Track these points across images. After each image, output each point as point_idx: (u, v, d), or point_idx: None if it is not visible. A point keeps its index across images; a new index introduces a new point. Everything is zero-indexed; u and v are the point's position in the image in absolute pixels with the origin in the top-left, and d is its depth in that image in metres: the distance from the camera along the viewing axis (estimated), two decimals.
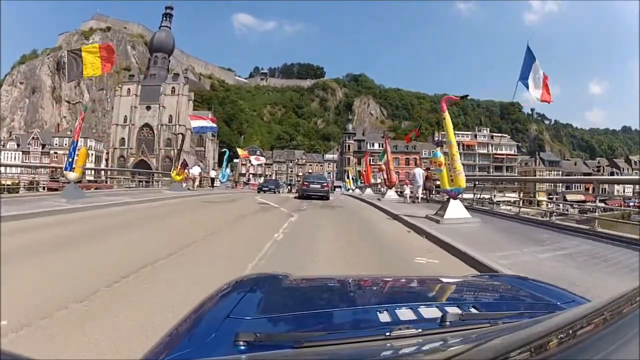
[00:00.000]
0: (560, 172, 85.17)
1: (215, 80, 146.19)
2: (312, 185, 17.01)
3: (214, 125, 22.11)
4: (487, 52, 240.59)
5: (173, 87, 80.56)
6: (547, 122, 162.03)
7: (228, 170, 24.80)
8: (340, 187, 70.13)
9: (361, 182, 31.17)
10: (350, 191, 33.92)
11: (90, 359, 2.02)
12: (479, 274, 3.44)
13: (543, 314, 0.84)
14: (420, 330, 0.82)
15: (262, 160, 42.90)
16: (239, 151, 37.37)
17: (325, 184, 17.50)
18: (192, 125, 20.96)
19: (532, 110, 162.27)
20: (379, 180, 28.13)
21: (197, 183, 23.12)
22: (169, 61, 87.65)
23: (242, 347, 0.77)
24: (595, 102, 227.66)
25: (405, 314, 0.97)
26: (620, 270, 4.22)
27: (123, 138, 79.65)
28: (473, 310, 1.02)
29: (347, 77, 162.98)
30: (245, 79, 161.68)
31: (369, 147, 66.23)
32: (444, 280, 1.58)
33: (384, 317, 0.96)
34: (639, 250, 4.97)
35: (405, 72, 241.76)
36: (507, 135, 79.44)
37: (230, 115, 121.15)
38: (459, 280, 1.60)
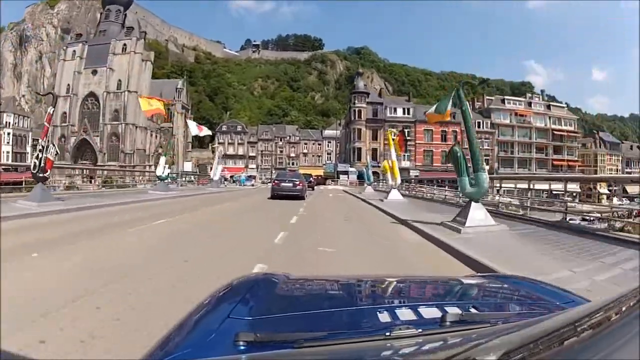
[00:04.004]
0: (620, 157, 64.39)
1: (200, 53, 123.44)
2: (283, 184, 15.52)
3: None
4: (493, 32, 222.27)
5: (124, 44, 58.06)
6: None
7: None
8: (347, 173, 45.49)
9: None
10: (396, 193, 15.48)
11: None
12: (479, 274, 3.09)
13: (543, 314, 0.82)
14: (420, 330, 0.79)
15: (206, 131, 21.69)
16: (142, 103, 16.41)
17: (298, 182, 15.64)
18: None
19: (542, 91, 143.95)
20: (405, 164, 23.29)
21: None
22: (125, 15, 64.30)
23: (242, 347, 0.74)
24: (598, 88, 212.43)
25: (405, 314, 0.94)
26: None
27: (65, 112, 57.93)
28: (473, 310, 0.98)
29: (348, 50, 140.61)
30: (236, 52, 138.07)
31: (389, 114, 43.79)
32: (444, 280, 1.56)
33: (384, 317, 0.92)
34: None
35: (409, 48, 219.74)
36: (564, 105, 56.60)
37: (214, 89, 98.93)
38: (459, 280, 1.54)
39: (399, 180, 15.44)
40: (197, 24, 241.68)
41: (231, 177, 34.47)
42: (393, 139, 16.51)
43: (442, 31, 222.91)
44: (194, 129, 23.13)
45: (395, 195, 14.67)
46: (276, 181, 16.28)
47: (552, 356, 0.47)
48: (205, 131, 23.50)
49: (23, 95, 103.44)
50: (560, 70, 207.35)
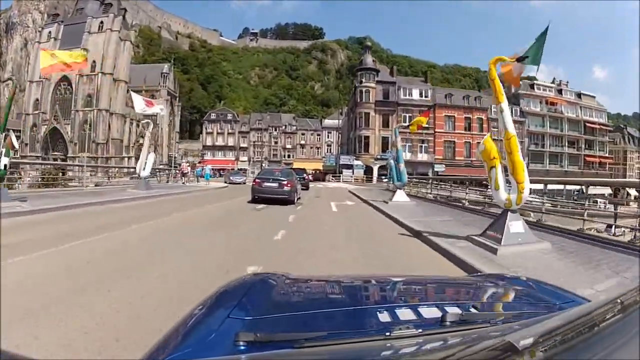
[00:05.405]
0: None
1: (195, 40, 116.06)
2: (266, 184, 12.37)
3: None
4: (494, 30, 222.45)
5: (101, 22, 50.88)
6: None
7: None
8: (351, 167, 37.04)
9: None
10: (521, 226, 5.08)
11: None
12: (479, 274, 3.13)
13: (543, 314, 0.81)
14: (420, 330, 0.79)
15: (158, 108, 14.11)
16: (42, 57, 10.97)
17: (285, 182, 12.34)
18: None
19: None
20: (421, 157, 17.53)
21: None
22: None
23: (242, 347, 0.73)
24: (599, 87, 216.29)
25: (405, 314, 0.93)
26: None
27: (37, 99, 51.32)
28: (473, 310, 0.97)
29: (349, 40, 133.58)
30: (233, 40, 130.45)
31: (402, 96, 36.21)
32: (444, 280, 1.54)
33: (384, 317, 0.92)
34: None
35: (412, 41, 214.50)
36: (594, 95, 49.23)
37: (208, 78, 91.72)
38: (459, 280, 1.53)
39: (527, 188, 4.87)
40: (195, 15, 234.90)
41: (193, 171, 27.19)
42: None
43: (444, 29, 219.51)
44: (140, 103, 16.34)
45: (521, 234, 4.97)
46: (257, 180, 12.89)
47: (552, 356, 0.46)
48: (157, 108, 16.77)
49: (7, 84, 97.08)
50: (561, 69, 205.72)
